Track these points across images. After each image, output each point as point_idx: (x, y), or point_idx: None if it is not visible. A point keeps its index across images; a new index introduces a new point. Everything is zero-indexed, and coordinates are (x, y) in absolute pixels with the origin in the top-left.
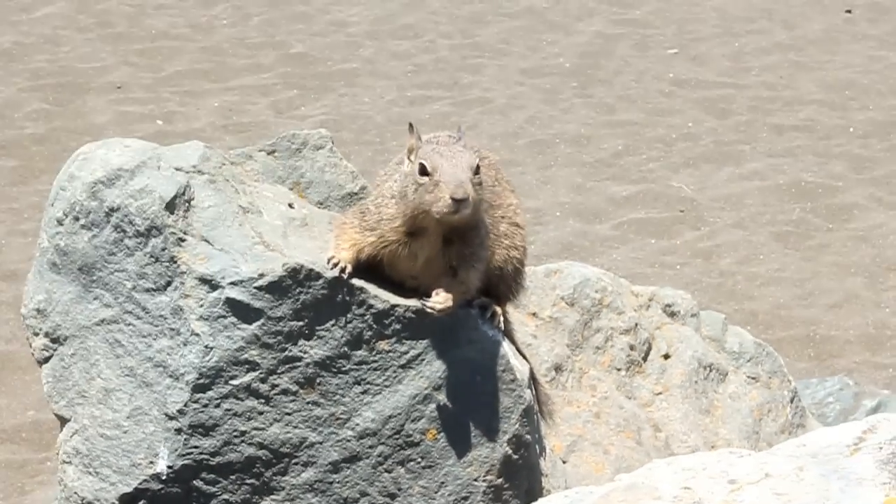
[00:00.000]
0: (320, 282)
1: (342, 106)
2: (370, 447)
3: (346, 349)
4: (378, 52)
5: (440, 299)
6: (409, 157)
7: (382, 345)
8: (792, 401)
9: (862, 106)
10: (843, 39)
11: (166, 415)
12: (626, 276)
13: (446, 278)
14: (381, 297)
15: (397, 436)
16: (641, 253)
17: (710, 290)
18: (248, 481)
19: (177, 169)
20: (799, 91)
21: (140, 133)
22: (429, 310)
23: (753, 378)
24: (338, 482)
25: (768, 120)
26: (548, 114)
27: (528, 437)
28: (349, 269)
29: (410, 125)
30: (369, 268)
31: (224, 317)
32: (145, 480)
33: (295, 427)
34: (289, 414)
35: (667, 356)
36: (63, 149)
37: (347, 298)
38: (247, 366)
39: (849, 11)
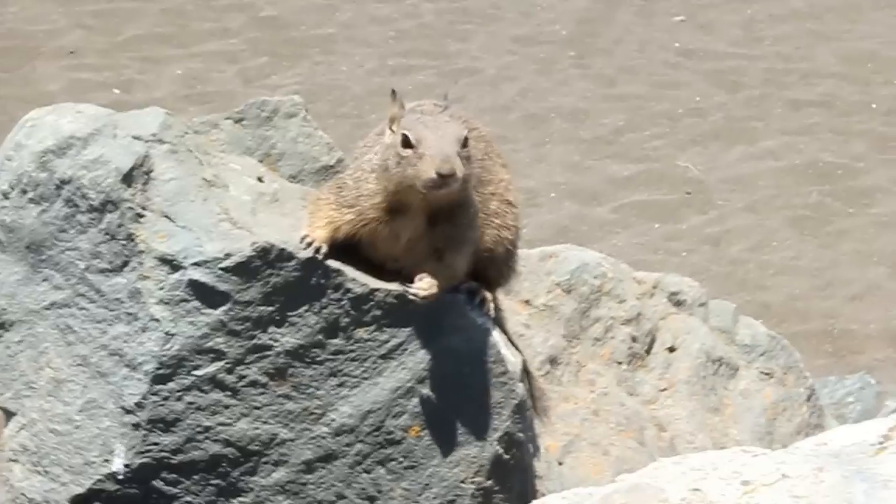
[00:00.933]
0: (293, 263)
1: (317, 75)
2: (347, 445)
3: (320, 337)
4: (357, 16)
5: (424, 285)
6: (390, 128)
7: (361, 333)
8: (809, 399)
9: (886, 80)
10: (866, 7)
11: (123, 408)
12: (628, 263)
13: (431, 262)
14: (360, 280)
15: (377, 433)
16: (644, 238)
17: (719, 279)
18: (213, 482)
19: (135, 138)
20: (817, 63)
21: (95, 102)
22: (412, 296)
23: (767, 374)
24: (311, 483)
25: (783, 94)
26: (542, 86)
27: (521, 435)
28: (324, 249)
29: (393, 92)
30: (347, 248)
31: (186, 301)
32: (100, 480)
33: (264, 422)
34: (258, 408)
35: (672, 349)
36: (10, 119)
37: (322, 281)
38: (211, 355)
39: None
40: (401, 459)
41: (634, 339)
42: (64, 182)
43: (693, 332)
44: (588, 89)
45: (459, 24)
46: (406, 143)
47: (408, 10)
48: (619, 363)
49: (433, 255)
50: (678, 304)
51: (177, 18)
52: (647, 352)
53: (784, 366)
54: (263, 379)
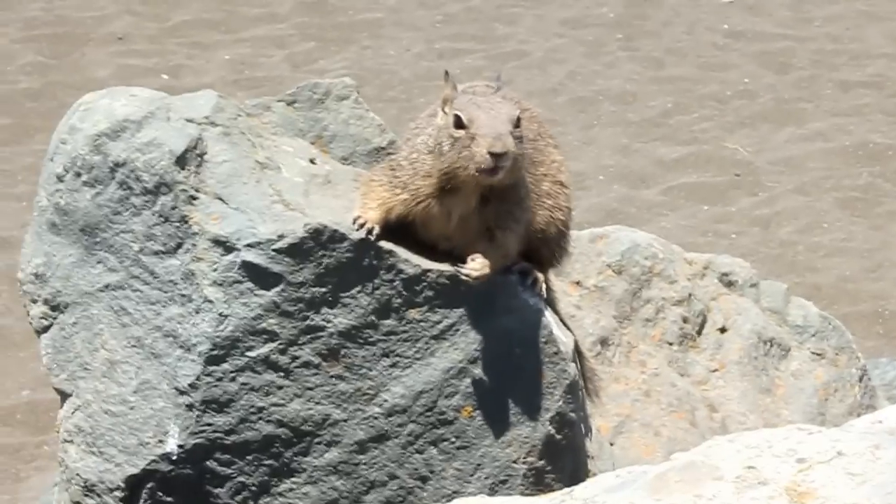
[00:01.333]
0: (345, 244)
1: (365, 59)
2: (399, 426)
3: (373, 318)
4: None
5: (477, 265)
6: (443, 109)
7: (413, 313)
8: (861, 380)
9: None
10: None
11: (177, 389)
12: (677, 245)
13: (483, 242)
14: (412, 261)
15: (429, 413)
16: (693, 220)
17: (769, 261)
18: (266, 462)
19: (188, 120)
20: (867, 44)
21: None
22: (464, 277)
23: (818, 354)
24: (364, 463)
25: (833, 75)
26: (590, 69)
27: (573, 415)
28: (377, 230)
29: (446, 73)
30: (398, 229)
31: (240, 282)
32: (154, 461)
33: (317, 403)
34: (311, 389)
35: (723, 329)
36: (60, 105)
37: (375, 262)
38: (265, 336)
39: None
40: (453, 440)
41: (685, 320)
42: (118, 165)
43: (744, 312)
44: (636, 71)
45: (507, 8)
46: (458, 123)
47: None
48: (670, 344)
49: (485, 235)
50: (729, 284)
51: (224, 4)
52: (699, 333)
53: (836, 346)
54: (316, 360)
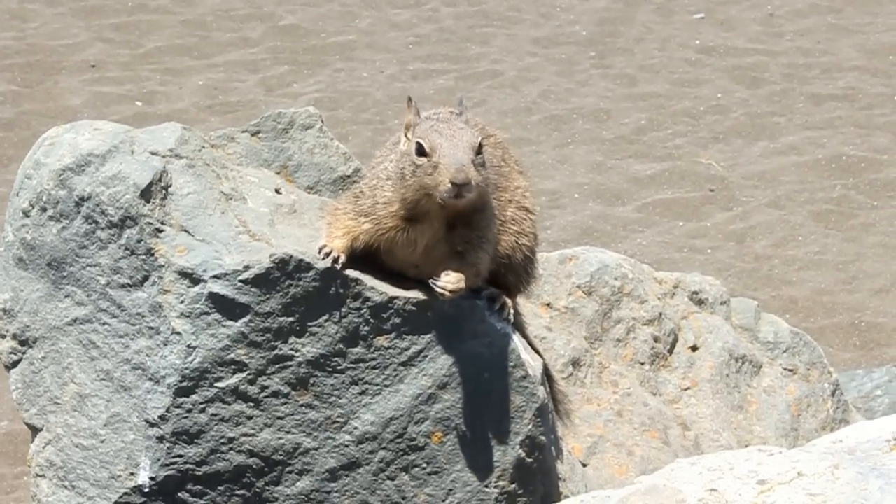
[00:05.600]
0: (311, 273)
1: (338, 82)
2: (370, 452)
3: (341, 346)
4: (376, 22)
5: (452, 279)
6: (406, 135)
7: (381, 341)
8: (833, 394)
9: None
10: None
11: (147, 421)
12: (652, 261)
13: (454, 262)
14: (379, 288)
15: (399, 440)
16: (668, 236)
17: (744, 275)
18: (238, 492)
19: (152, 153)
20: (838, 57)
21: (117, 115)
22: (439, 290)
23: (790, 370)
24: (336, 491)
25: (805, 89)
26: (563, 87)
27: (543, 438)
28: (343, 258)
29: (409, 98)
30: (366, 257)
31: (207, 313)
32: (126, 493)
33: (288, 432)
34: (280, 418)
35: (694, 348)
36: (33, 134)
37: (342, 291)
38: (233, 366)
39: None
40: (424, 465)
41: (656, 340)
42: (83, 199)
43: (715, 330)
44: (609, 89)
45: (479, 28)
46: (420, 151)
47: (427, 15)
48: (642, 363)
49: (455, 257)
50: (699, 303)
51: (197, 29)
52: (670, 351)
53: (807, 362)
54: (285, 389)
